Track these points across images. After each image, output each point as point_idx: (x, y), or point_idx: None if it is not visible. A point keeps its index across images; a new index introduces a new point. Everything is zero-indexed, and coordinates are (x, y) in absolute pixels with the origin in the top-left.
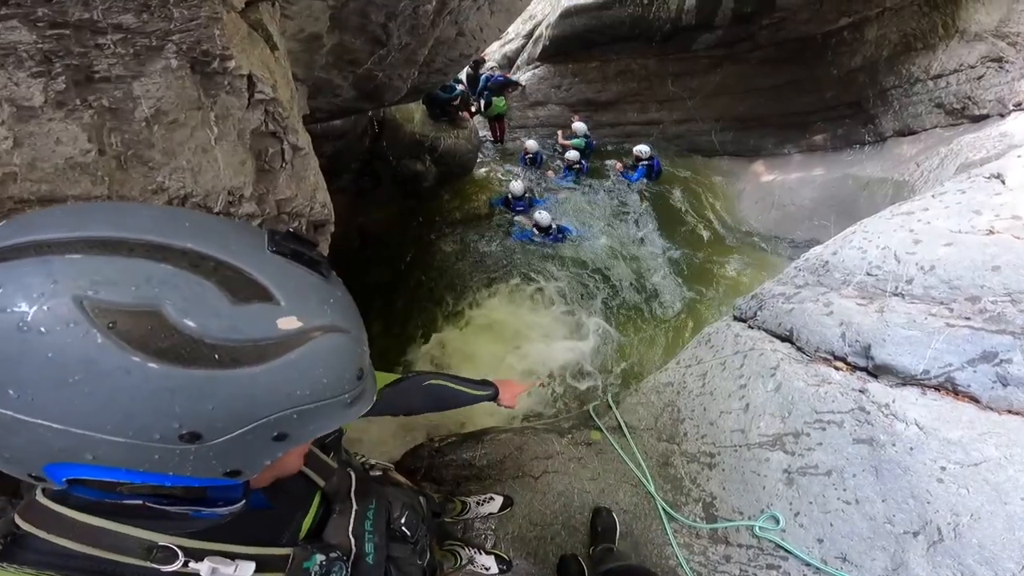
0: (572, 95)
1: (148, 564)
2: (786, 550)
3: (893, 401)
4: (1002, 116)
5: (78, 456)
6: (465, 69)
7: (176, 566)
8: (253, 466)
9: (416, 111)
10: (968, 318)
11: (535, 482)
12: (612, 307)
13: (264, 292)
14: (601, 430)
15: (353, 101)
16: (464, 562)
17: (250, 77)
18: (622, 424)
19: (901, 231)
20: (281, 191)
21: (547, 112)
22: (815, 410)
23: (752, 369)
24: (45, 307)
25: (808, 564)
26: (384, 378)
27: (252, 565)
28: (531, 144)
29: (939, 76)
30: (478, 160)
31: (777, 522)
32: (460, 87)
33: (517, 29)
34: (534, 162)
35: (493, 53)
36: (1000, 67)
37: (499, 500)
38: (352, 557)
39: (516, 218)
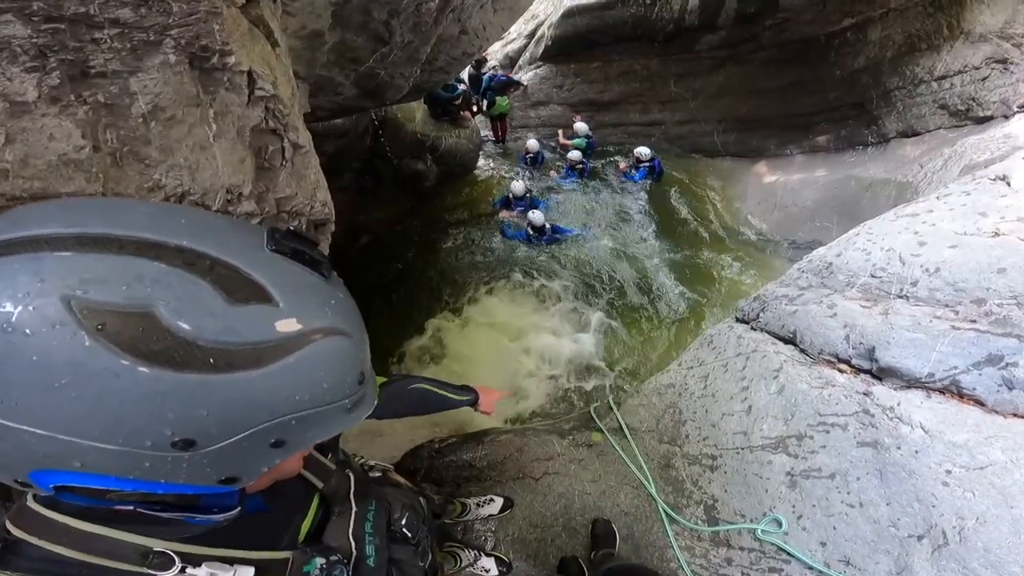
0: (574, 95)
1: (144, 570)
2: (788, 553)
3: (898, 404)
4: (1006, 117)
5: (65, 463)
6: (467, 68)
7: (173, 572)
8: (250, 473)
9: (418, 110)
10: (974, 321)
11: (535, 484)
12: (613, 307)
13: (262, 292)
14: (602, 431)
15: (355, 99)
16: (464, 564)
17: (250, 73)
18: (623, 426)
19: (906, 233)
20: (281, 189)
21: (549, 112)
22: (819, 412)
23: (755, 371)
24: (31, 307)
25: (811, 568)
26: None
27: (251, 570)
28: (532, 144)
29: (943, 77)
30: (479, 160)
31: (780, 525)
32: (462, 86)
33: (519, 29)
34: (535, 162)
35: (495, 53)
36: (1005, 68)
37: (499, 502)
38: (353, 560)
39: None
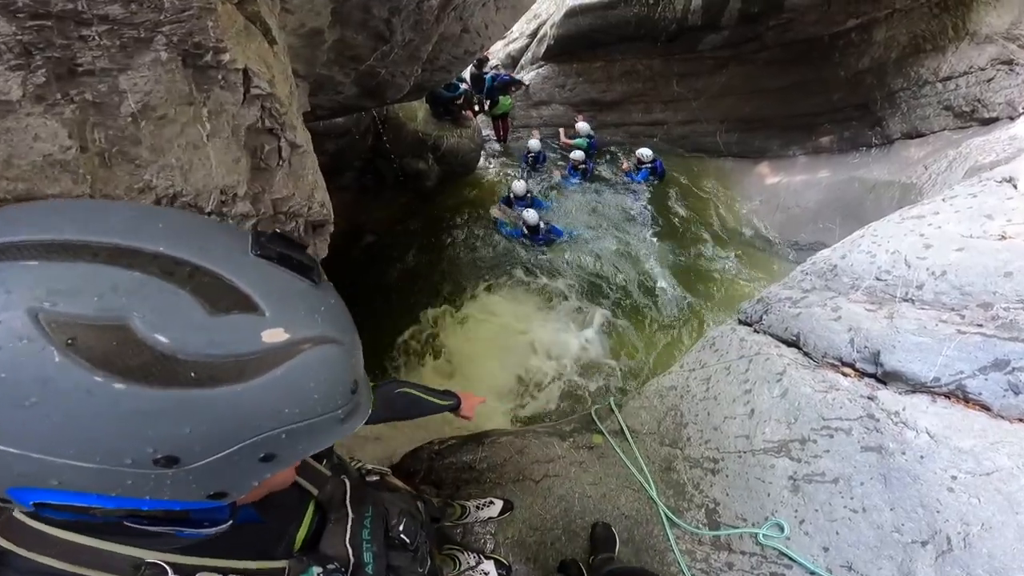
0: (576, 95)
1: None
2: (790, 558)
3: (903, 409)
4: (1012, 119)
5: (41, 481)
6: (469, 68)
7: None
8: (240, 488)
9: (419, 109)
10: (980, 325)
11: (535, 486)
12: (614, 308)
13: (246, 301)
14: (603, 434)
15: (355, 99)
16: (464, 567)
17: (246, 71)
18: (624, 428)
19: (911, 235)
20: (278, 190)
21: (551, 112)
22: (822, 417)
23: (757, 374)
24: None
25: (813, 573)
26: None
27: None
28: (533, 144)
29: (948, 78)
30: (481, 159)
31: (781, 530)
32: (464, 86)
33: (521, 28)
34: (536, 161)
35: (497, 52)
36: (1010, 70)
37: (499, 504)
38: (351, 568)
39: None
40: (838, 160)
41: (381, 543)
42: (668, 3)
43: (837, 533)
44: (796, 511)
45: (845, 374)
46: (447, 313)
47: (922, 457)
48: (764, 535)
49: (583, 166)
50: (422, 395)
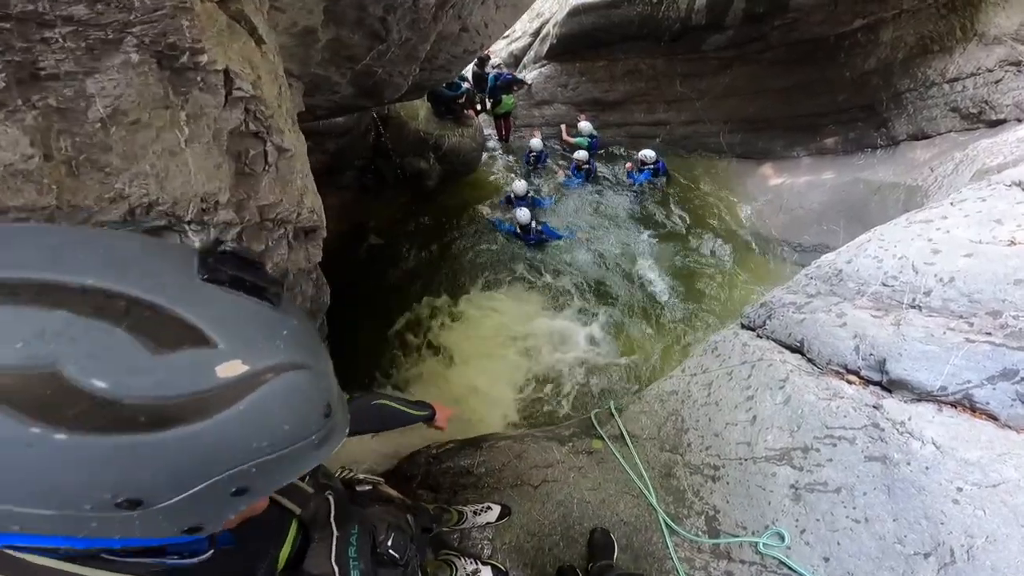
0: (579, 94)
1: None
2: (790, 568)
3: (909, 419)
4: (1020, 121)
5: (3, 527)
6: (471, 67)
7: None
8: (214, 522)
9: (421, 108)
10: (989, 333)
11: (534, 491)
12: (615, 310)
13: (195, 334)
14: (603, 439)
15: (352, 98)
16: (460, 573)
17: (227, 72)
18: (624, 433)
19: (919, 240)
20: (264, 196)
21: (553, 111)
22: (826, 425)
23: (760, 380)
24: None
25: None
26: None
27: None
28: (535, 143)
29: (955, 79)
30: (482, 159)
31: (782, 539)
32: (465, 85)
33: (524, 27)
34: (538, 161)
35: (499, 51)
36: (1019, 71)
37: (496, 510)
38: None
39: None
40: (843, 161)
41: (368, 560)
42: (672, 2)
43: (838, 543)
44: (797, 520)
45: (850, 381)
46: (447, 312)
47: (927, 468)
48: (764, 544)
49: (586, 166)
50: (397, 406)
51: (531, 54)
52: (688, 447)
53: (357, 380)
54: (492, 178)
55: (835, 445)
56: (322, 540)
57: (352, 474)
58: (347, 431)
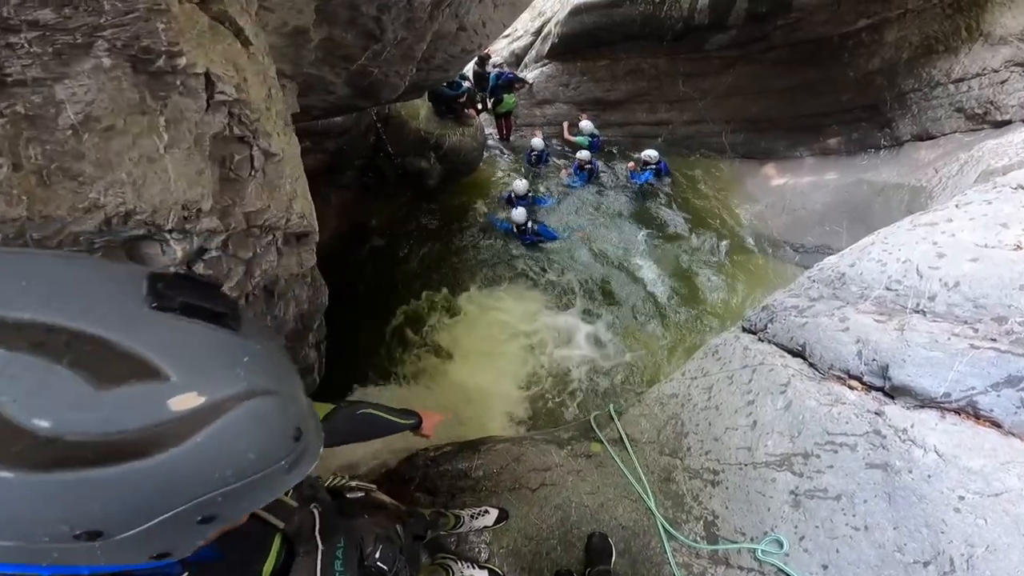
0: (580, 94)
1: None
2: (788, 575)
3: (912, 426)
4: None
5: None
6: (472, 66)
7: None
8: (182, 548)
9: (422, 107)
10: (994, 340)
11: (532, 495)
12: (615, 310)
13: (143, 367)
14: (602, 442)
15: (348, 99)
16: None
17: (208, 75)
18: (624, 436)
19: (923, 244)
20: (250, 202)
21: (555, 111)
22: (827, 431)
23: (761, 385)
24: None
25: None
26: (319, 411)
27: None
28: (536, 142)
29: (961, 80)
30: (483, 158)
31: (781, 546)
32: (466, 84)
33: (526, 26)
34: (539, 160)
35: (501, 50)
36: None
37: (494, 514)
38: None
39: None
40: (846, 162)
41: (356, 573)
42: (674, 2)
43: (837, 551)
44: (796, 527)
45: (852, 387)
46: (448, 311)
47: (929, 476)
48: (763, 551)
49: (589, 166)
50: (384, 415)
51: (532, 53)
52: (688, 451)
53: (357, 379)
54: (493, 177)
55: (836, 452)
56: (307, 554)
57: (344, 481)
58: (320, 452)
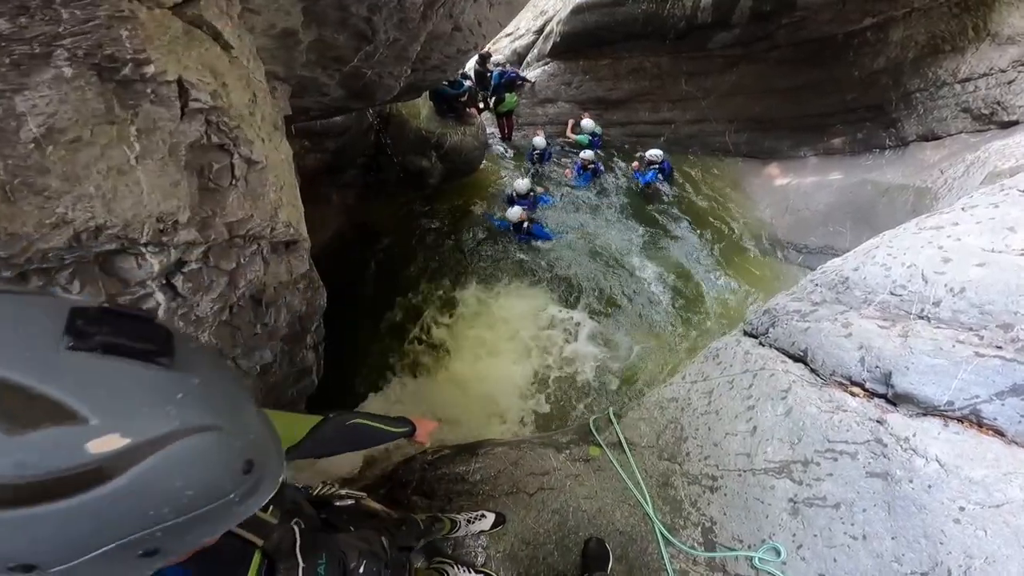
0: (582, 93)
1: None
2: None
3: (913, 435)
4: None
5: None
6: (473, 65)
7: None
8: None
9: (423, 107)
10: (999, 347)
11: (529, 499)
12: (616, 310)
13: (59, 411)
14: (601, 446)
15: (343, 100)
16: None
17: (181, 83)
18: (622, 440)
19: (929, 248)
20: (232, 212)
21: (556, 110)
22: (827, 439)
23: (761, 390)
24: None
25: None
26: (304, 424)
27: None
28: (538, 141)
29: (967, 80)
30: (484, 157)
31: (778, 554)
32: (468, 83)
33: (528, 25)
34: (542, 159)
35: (503, 49)
36: None
37: (491, 518)
38: None
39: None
40: (850, 162)
41: None
42: (677, 0)
43: (835, 560)
44: (794, 535)
45: (854, 394)
46: (449, 310)
47: (930, 486)
48: (760, 559)
49: (592, 166)
50: (375, 425)
51: (535, 52)
52: (687, 456)
53: (358, 380)
54: (494, 177)
55: (836, 460)
56: (288, 571)
57: (333, 489)
58: (279, 479)
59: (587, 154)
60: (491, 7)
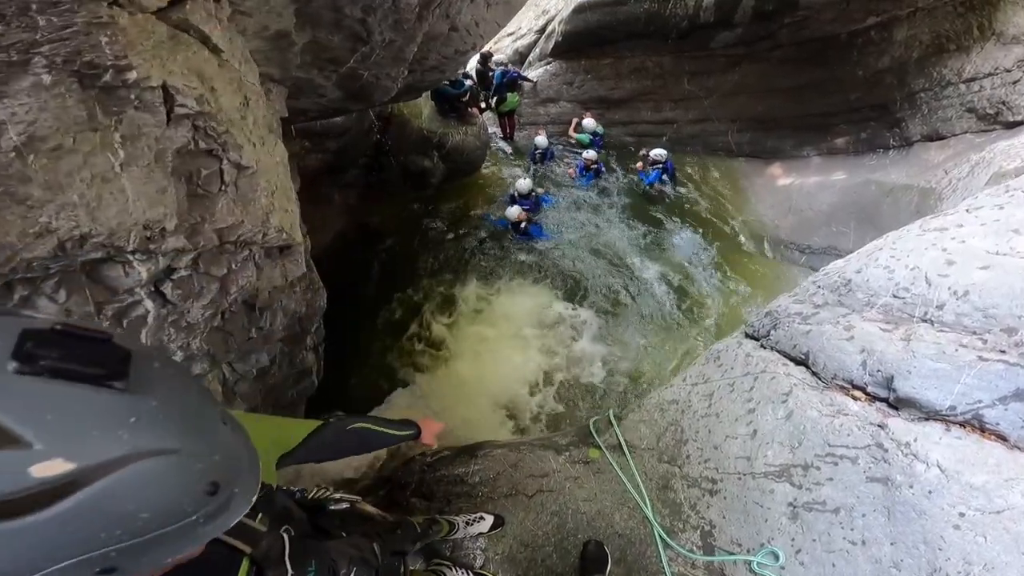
0: (584, 92)
1: None
2: None
3: (915, 440)
4: None
5: None
6: (475, 65)
7: None
8: None
9: (424, 107)
10: (1003, 351)
11: (528, 501)
12: (618, 310)
13: (2, 435)
14: (600, 448)
15: (340, 101)
16: None
17: (165, 88)
18: (622, 443)
19: (933, 250)
20: (221, 218)
21: (558, 109)
22: (828, 443)
23: (762, 393)
24: None
25: None
26: (301, 429)
27: None
28: (540, 140)
29: (972, 79)
30: (486, 157)
31: (777, 558)
32: (469, 82)
33: (530, 24)
34: (544, 158)
35: (504, 48)
36: None
37: (489, 520)
38: None
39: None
40: (854, 162)
41: None
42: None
43: (833, 565)
44: (793, 539)
45: (855, 398)
46: (450, 309)
47: (930, 492)
48: (758, 563)
49: (595, 166)
50: (377, 428)
51: (536, 51)
52: (687, 459)
53: (358, 380)
54: (496, 176)
55: (836, 464)
56: None
57: (328, 493)
58: (252, 498)
59: (590, 154)
60: (488, 7)
